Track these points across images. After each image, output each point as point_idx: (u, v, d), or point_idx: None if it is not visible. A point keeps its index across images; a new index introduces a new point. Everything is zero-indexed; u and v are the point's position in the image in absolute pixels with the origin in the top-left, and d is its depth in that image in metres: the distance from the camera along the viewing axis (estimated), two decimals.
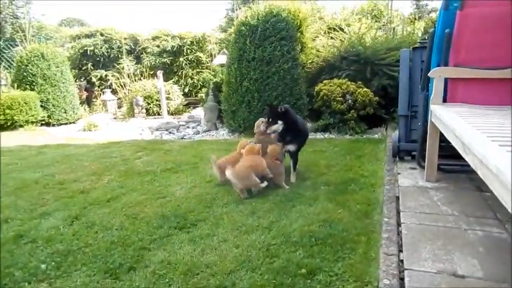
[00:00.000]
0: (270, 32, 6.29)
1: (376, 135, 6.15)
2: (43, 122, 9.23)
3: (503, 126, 2.01)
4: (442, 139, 3.01)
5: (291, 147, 3.77)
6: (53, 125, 9.38)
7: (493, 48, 3.09)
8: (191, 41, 12.65)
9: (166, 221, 2.95)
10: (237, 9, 13.32)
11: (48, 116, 9.31)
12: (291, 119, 3.72)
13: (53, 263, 2.39)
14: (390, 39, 7.82)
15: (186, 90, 12.31)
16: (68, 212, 3.25)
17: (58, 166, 4.88)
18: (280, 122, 3.63)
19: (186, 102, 11.53)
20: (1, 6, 15.64)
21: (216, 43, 13.07)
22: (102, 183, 4.08)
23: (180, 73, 12.52)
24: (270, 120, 3.66)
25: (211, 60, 12.04)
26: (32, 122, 8.85)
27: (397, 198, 3.03)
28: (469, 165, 1.89)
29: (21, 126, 8.62)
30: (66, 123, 9.62)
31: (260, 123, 3.95)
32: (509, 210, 1.24)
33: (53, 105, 9.35)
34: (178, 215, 3.05)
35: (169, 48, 12.46)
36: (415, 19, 12.38)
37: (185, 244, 2.55)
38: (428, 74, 3.25)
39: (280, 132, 3.69)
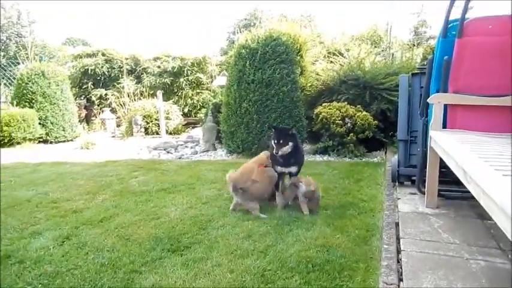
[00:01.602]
0: (269, 55, 6.33)
1: (375, 159, 6.12)
2: (41, 140, 9.18)
3: (503, 154, 1.98)
4: (442, 165, 2.97)
5: (294, 169, 3.71)
6: (51, 143, 9.32)
7: (492, 75, 3.11)
8: (192, 63, 12.76)
9: (159, 243, 2.87)
10: (238, 33, 13.51)
11: (46, 134, 9.26)
12: (297, 140, 3.70)
13: (40, 285, 2.30)
14: (389, 65, 7.89)
15: (186, 110, 12.34)
16: (59, 231, 3.16)
17: (52, 184, 4.80)
18: (290, 144, 3.57)
19: (185, 122, 11.52)
20: (6, 25, 15.87)
21: (216, 65, 13.20)
22: (96, 202, 4.00)
23: (180, 93, 12.58)
24: (281, 141, 3.55)
25: (212, 82, 12.13)
26: (30, 139, 8.78)
27: (397, 224, 2.96)
28: (470, 192, 1.85)
29: (18, 143, 8.56)
30: (64, 141, 9.56)
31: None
32: None
33: (52, 123, 9.33)
34: (172, 237, 2.97)
35: (170, 69, 12.56)
36: (414, 45, 12.55)
37: (178, 268, 2.46)
38: (428, 100, 3.24)
39: (284, 155, 3.64)
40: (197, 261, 2.55)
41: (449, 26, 3.17)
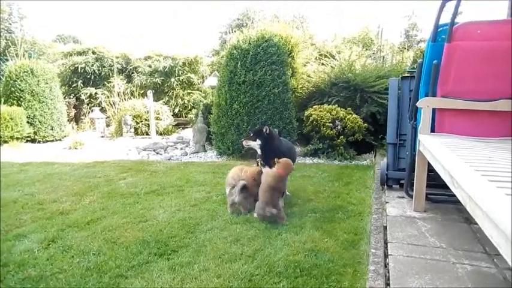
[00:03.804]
0: (261, 56, 6.33)
1: (364, 162, 6.14)
2: (28, 139, 9.05)
3: (491, 159, 1.99)
4: (430, 168, 2.98)
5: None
6: (39, 142, 9.20)
7: (480, 80, 3.13)
8: (183, 62, 12.71)
9: (146, 246, 2.84)
10: (230, 32, 13.48)
11: (34, 133, 9.15)
12: (272, 141, 3.72)
13: None
14: (380, 68, 7.93)
15: (176, 110, 12.28)
16: (45, 234, 3.11)
17: (39, 185, 4.73)
18: (258, 141, 3.68)
19: (176, 122, 11.46)
20: None
21: (208, 65, 13.15)
22: (83, 204, 3.95)
23: (170, 93, 12.51)
24: (251, 135, 3.76)
25: (203, 82, 12.08)
26: (17, 138, 8.66)
27: (385, 228, 2.97)
28: (456, 196, 1.85)
29: (5, 142, 8.43)
30: (52, 141, 9.45)
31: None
32: (499, 249, 1.19)
33: (40, 122, 9.22)
34: (160, 240, 2.94)
35: (161, 68, 12.49)
36: (405, 49, 12.66)
37: (164, 272, 2.43)
38: (417, 104, 3.26)
39: (262, 155, 3.72)
40: (184, 265, 2.52)
41: (439, 30, 3.18)
